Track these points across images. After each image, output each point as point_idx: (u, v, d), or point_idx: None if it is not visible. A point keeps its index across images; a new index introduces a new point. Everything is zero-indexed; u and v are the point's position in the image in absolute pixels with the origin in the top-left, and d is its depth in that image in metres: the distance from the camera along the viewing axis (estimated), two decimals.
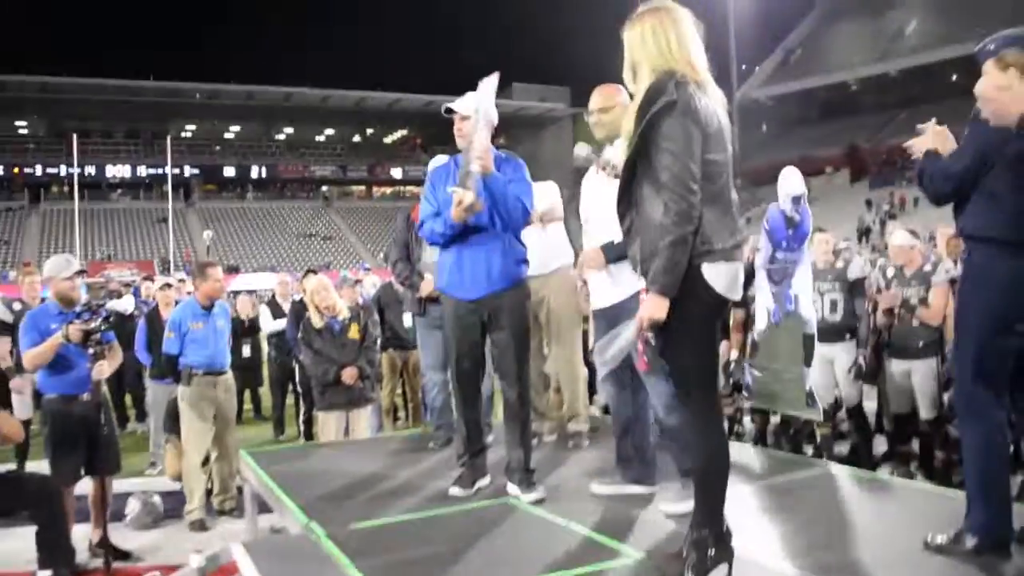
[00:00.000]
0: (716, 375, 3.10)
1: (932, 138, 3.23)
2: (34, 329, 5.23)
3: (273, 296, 10.27)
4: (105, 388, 5.55)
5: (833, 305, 6.11)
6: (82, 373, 5.22)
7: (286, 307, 9.31)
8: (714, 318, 2.98)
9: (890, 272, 6.15)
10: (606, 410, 5.78)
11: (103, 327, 5.21)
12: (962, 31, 43.57)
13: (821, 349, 5.75)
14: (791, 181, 5.52)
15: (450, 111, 4.04)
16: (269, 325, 9.72)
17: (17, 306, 7.81)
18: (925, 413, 5.87)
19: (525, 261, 4.12)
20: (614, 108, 3.83)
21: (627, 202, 2.98)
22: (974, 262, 3.10)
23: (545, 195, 5.01)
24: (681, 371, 2.96)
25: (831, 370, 6.16)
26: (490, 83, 3.99)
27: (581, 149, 3.98)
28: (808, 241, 5.75)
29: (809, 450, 6.56)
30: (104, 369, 5.20)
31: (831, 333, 5.97)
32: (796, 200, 5.48)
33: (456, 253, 4.02)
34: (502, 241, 4.00)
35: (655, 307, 2.80)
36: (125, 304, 8.55)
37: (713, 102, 2.90)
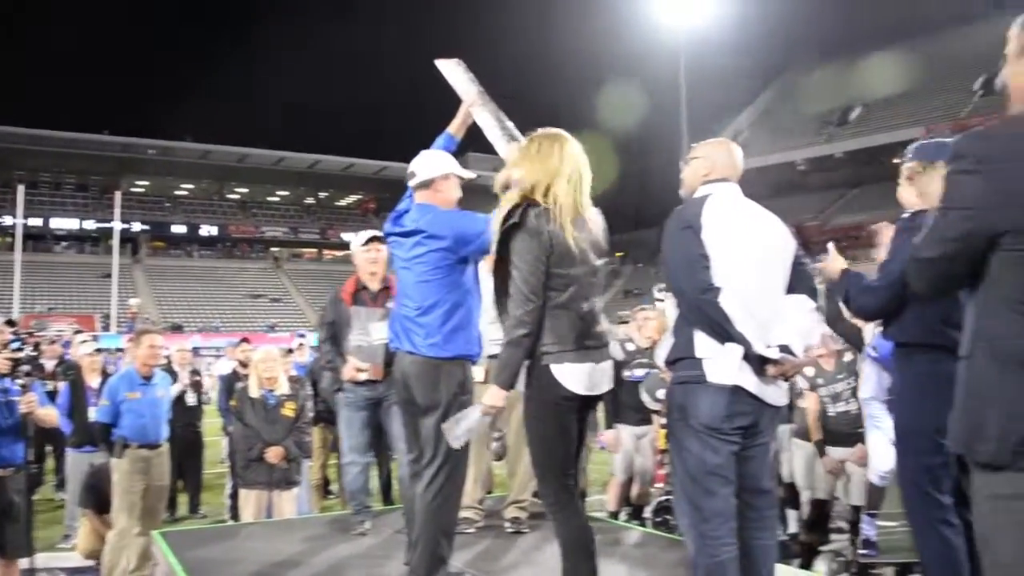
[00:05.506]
0: (569, 465, 3.28)
1: (839, 258, 3.31)
2: None
3: (169, 362, 8.78)
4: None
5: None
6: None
7: (183, 376, 8.72)
8: (566, 412, 3.22)
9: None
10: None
11: (32, 355, 5.07)
12: (900, 119, 45.29)
13: None
14: None
15: None
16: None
17: None
18: None
19: None
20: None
21: (500, 298, 3.26)
22: (923, 371, 3.10)
23: None
24: (537, 461, 3.27)
25: None
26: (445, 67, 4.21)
27: None
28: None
29: None
30: (33, 402, 5.00)
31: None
32: None
33: None
34: None
35: (493, 397, 3.16)
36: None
37: (571, 227, 3.16)
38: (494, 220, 3.27)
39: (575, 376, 3.15)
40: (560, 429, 3.22)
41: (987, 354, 1.98)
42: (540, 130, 3.38)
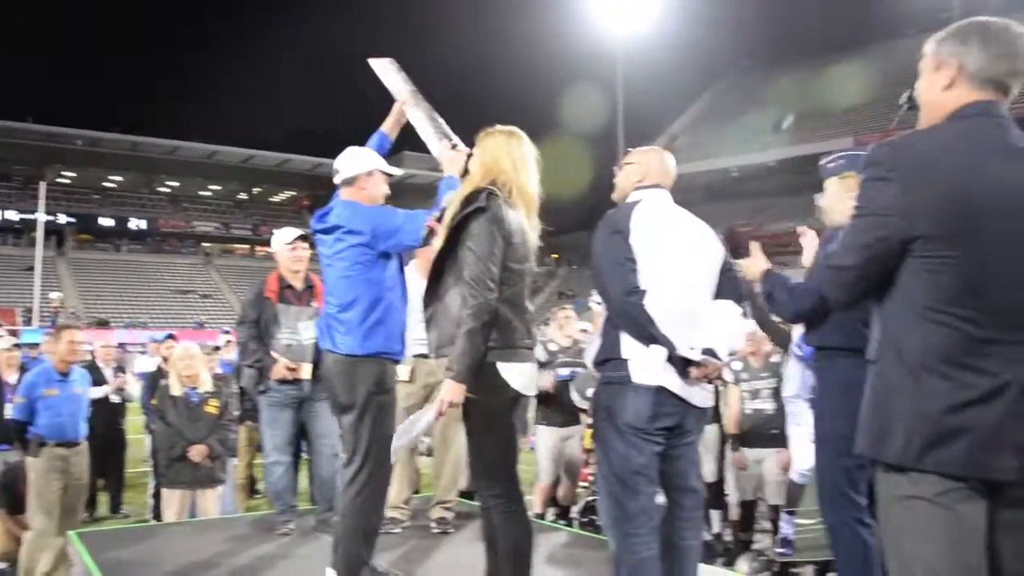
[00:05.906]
0: (516, 464, 3.32)
1: (762, 258, 3.33)
2: None
3: (93, 358, 8.66)
4: None
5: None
6: None
7: (107, 373, 8.53)
8: (511, 412, 3.21)
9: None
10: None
11: None
12: (831, 129, 46.33)
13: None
14: None
15: None
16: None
17: None
18: None
19: None
20: None
21: (432, 293, 3.22)
22: (842, 375, 3.14)
23: None
24: (485, 463, 3.24)
25: None
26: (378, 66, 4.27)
27: None
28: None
29: None
30: None
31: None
32: None
33: None
34: None
35: (453, 392, 3.02)
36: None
37: (527, 223, 3.24)
38: (450, 205, 3.22)
39: (521, 375, 3.15)
40: (509, 428, 3.24)
41: (895, 358, 2.03)
42: (498, 126, 3.37)
